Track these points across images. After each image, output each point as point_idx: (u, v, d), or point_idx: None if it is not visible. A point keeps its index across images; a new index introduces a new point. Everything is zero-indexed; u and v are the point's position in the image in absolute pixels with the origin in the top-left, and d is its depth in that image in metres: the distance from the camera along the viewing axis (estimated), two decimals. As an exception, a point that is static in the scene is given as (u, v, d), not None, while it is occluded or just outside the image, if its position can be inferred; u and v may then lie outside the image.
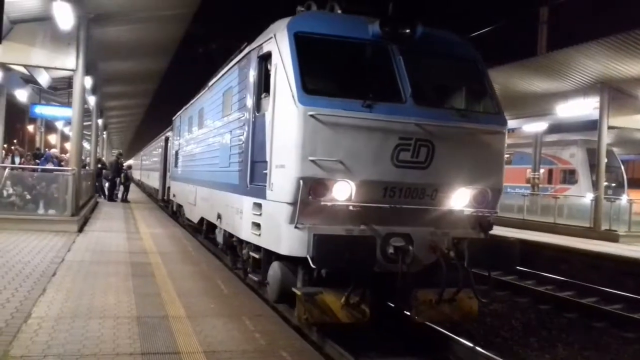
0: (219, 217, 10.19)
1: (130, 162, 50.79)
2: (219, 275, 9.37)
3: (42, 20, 14.67)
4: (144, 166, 44.05)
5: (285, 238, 6.83)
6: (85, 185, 19.27)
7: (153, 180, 31.62)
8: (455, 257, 7.03)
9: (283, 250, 6.88)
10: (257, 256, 7.89)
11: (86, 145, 34.86)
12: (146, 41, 20.05)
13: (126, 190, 27.35)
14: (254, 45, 8.35)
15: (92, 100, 24.67)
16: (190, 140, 15.00)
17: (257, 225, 7.70)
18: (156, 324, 6.19)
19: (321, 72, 7.03)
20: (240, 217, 8.60)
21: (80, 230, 14.20)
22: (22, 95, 24.32)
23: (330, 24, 7.46)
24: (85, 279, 8.30)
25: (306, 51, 7.01)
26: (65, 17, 13.06)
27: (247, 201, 8.20)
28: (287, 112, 6.85)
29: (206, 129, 12.24)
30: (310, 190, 6.66)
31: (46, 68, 18.47)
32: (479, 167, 7.27)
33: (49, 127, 36.04)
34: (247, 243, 8.38)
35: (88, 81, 18.96)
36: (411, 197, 7.04)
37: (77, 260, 9.88)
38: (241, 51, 9.86)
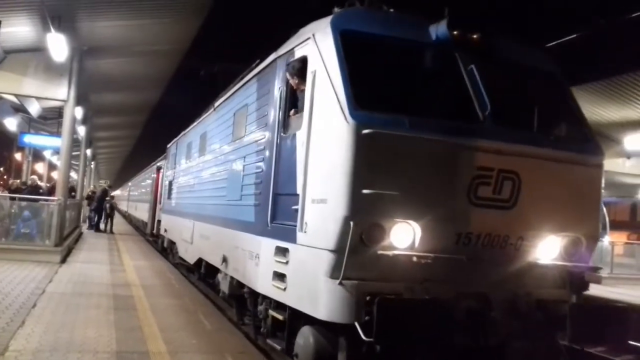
0: (224, 260, 8.43)
1: (117, 192, 49.17)
2: (202, 310, 9.27)
3: (36, 51, 14.89)
4: (131, 197, 42.34)
5: (325, 297, 5.11)
6: (70, 215, 19.37)
7: (141, 212, 29.75)
8: (545, 327, 5.35)
9: (321, 314, 5.14)
10: (280, 317, 6.12)
11: (73, 175, 34.08)
12: (139, 74, 20.58)
13: (110, 220, 27.27)
14: (281, 51, 6.78)
15: (81, 130, 24.99)
16: (188, 169, 13.29)
17: (281, 277, 5.99)
18: (136, 360, 5.95)
19: (375, 81, 5.43)
20: (255, 264, 6.87)
21: (63, 261, 14.05)
22: (11, 124, 24.56)
23: (382, 22, 5.91)
24: (66, 312, 8.17)
25: (356, 54, 5.44)
26: (59, 49, 13.22)
27: (267, 244, 6.49)
28: (331, 131, 5.23)
29: (210, 156, 10.56)
30: (363, 235, 4.99)
31: (37, 98, 18.80)
32: (571, 209, 5.65)
33: (37, 155, 35.92)
34: (265, 298, 6.62)
35: (79, 112, 19.33)
36: (491, 246, 5.38)
37: (59, 291, 9.75)
38: (258, 63, 8.31)
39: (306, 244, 5.49)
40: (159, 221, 19.40)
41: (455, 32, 5.80)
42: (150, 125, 35.07)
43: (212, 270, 9.81)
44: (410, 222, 5.11)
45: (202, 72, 17.52)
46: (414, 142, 5.02)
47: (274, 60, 6.93)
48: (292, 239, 5.75)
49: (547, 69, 6.41)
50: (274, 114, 6.70)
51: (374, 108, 5.12)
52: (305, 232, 5.51)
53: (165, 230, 17.00)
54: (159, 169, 22.32)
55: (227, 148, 9.10)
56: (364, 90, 5.21)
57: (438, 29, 5.84)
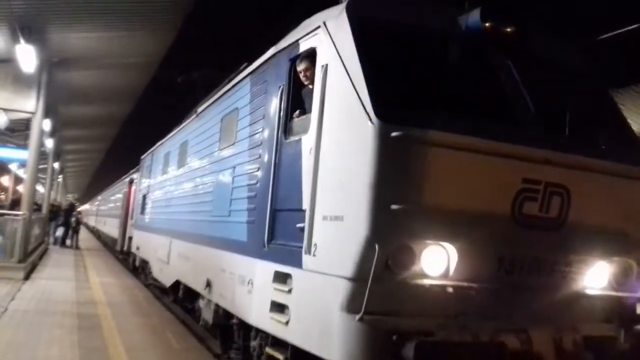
0: (208, 284, 7.42)
1: (85, 206, 47.64)
2: (170, 329, 9.10)
3: (4, 62, 14.72)
4: (100, 212, 40.78)
5: (340, 336, 4.19)
6: (36, 230, 19.25)
7: (111, 228, 28.35)
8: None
9: (336, 356, 4.21)
10: (279, 356, 5.14)
11: (40, 188, 33.04)
12: (110, 87, 20.29)
13: (76, 235, 26.86)
14: (282, 44, 5.90)
15: (49, 143, 24.76)
16: (165, 181, 12.23)
17: (282, 308, 5.05)
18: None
19: (400, 76, 4.57)
20: (247, 291, 5.90)
21: (27, 277, 13.79)
22: (-24, 136, 24.46)
23: (403, 9, 5.09)
24: (29, 331, 7.99)
25: (377, 44, 4.60)
26: (28, 60, 13.04)
27: (264, 268, 5.55)
28: (350, 134, 4.36)
29: (192, 166, 9.56)
30: (389, 259, 4.10)
31: (5, 110, 18.46)
32: (624, 230, 4.86)
33: (2, 168, 34.20)
34: (260, 332, 5.65)
35: (47, 124, 19.12)
36: (535, 273, 4.53)
37: (21, 309, 9.54)
38: (247, 65, 7.44)
39: (315, 270, 4.57)
40: (130, 238, 18.20)
41: (488, 24, 5.02)
42: (121, 138, 34.75)
43: (192, 295, 8.77)
44: (445, 244, 4.24)
45: (180, 79, 16.59)
46: (450, 146, 4.16)
47: (273, 56, 6.05)
48: (297, 262, 4.83)
49: (587, 70, 5.67)
50: (272, 116, 5.80)
51: (401, 107, 4.26)
52: (314, 255, 4.59)
53: (138, 248, 15.82)
54: (131, 181, 21.14)
55: (212, 157, 8.14)
56: (388, 86, 4.36)
57: (469, 20, 5.05)
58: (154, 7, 14.17)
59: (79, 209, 34.43)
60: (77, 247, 25.79)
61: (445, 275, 4.24)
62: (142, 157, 17.68)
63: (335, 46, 4.72)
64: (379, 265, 3.99)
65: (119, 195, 26.13)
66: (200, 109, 9.54)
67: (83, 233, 33.20)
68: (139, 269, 15.98)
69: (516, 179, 4.34)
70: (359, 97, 4.24)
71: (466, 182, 4.22)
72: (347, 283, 4.16)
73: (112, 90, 20.98)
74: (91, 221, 48.20)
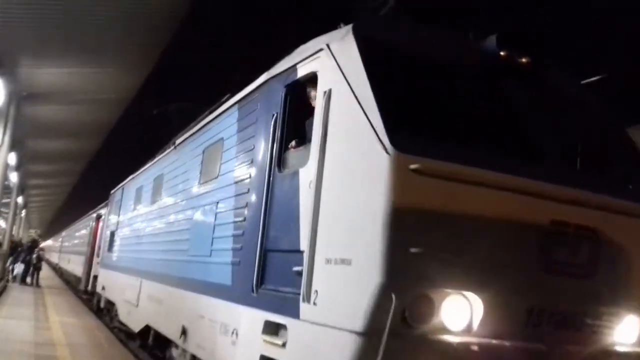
0: (184, 332, 6.70)
1: (48, 242, 45.92)
2: None
3: None
4: (64, 248, 39.14)
5: (347, 401, 3.59)
6: None
7: (75, 266, 27.07)
8: None
9: None
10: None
11: (1, 223, 31.86)
12: (80, 122, 20.20)
13: (37, 272, 25.68)
14: (275, 70, 5.42)
15: (14, 177, 24.76)
16: (137, 217, 11.49)
17: (273, 363, 4.43)
18: None
19: (415, 103, 4.11)
20: (231, 342, 5.24)
21: None
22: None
23: (412, 33, 4.69)
24: None
25: (387, 68, 4.16)
26: None
27: (251, 316, 4.92)
28: (359, 165, 3.85)
29: (167, 201, 8.90)
30: (406, 311, 3.55)
31: None
32: None
33: None
34: (246, 390, 4.97)
35: (12, 158, 19.25)
36: (564, 328, 4.02)
37: None
38: (230, 96, 6.96)
39: (316, 321, 3.98)
40: (96, 277, 17.22)
41: (503, 53, 4.66)
42: (89, 173, 33.97)
43: (164, 343, 7.99)
44: (467, 293, 3.72)
45: (155, 111, 16.03)
46: (476, 183, 3.69)
47: (266, 82, 5.56)
48: (293, 312, 4.24)
49: (599, 105, 5.33)
50: (264, 147, 5.27)
51: (418, 136, 3.79)
52: (314, 303, 4.01)
53: (103, 288, 14.87)
54: (99, 217, 20.20)
55: (191, 192, 7.52)
56: (403, 113, 3.89)
57: (483, 47, 4.68)
58: (127, 45, 14.26)
59: (41, 245, 32.99)
60: (38, 285, 24.61)
61: (468, 330, 3.70)
62: (112, 191, 16.87)
63: (341, 70, 4.25)
64: (395, 318, 3.44)
65: (85, 232, 25.06)
66: (178, 141, 8.96)
67: (45, 270, 31.73)
68: (103, 311, 14.97)
69: (544, 221, 3.88)
70: (371, 125, 3.75)
71: (492, 222, 3.74)
72: (355, 338, 3.58)
73: (82, 125, 20.85)
74: (54, 258, 46.32)
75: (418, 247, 3.48)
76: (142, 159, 12.97)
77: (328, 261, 3.96)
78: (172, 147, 9.27)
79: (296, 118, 5.01)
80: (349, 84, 4.12)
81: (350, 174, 3.94)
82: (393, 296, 3.41)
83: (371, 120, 3.77)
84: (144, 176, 11.70)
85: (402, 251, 3.48)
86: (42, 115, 18.63)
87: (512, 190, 3.78)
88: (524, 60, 4.72)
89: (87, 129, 21.58)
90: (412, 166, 3.54)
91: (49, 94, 16.72)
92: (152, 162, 11.11)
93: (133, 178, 13.23)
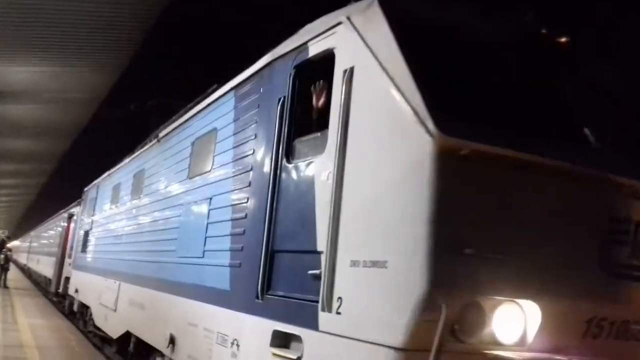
0: (172, 341, 6.07)
1: (16, 242, 44.52)
2: None
3: None
4: (32, 249, 37.84)
5: None
6: None
7: (45, 267, 25.98)
8: None
9: None
10: None
11: None
12: (50, 121, 19.82)
13: (5, 273, 25.14)
14: (282, 49, 4.84)
15: None
16: (115, 216, 10.75)
17: (285, 381, 3.86)
18: None
19: (455, 82, 3.58)
20: (231, 354, 4.64)
21: None
22: None
23: (439, 7, 4.16)
24: None
25: (420, 41, 3.62)
26: None
27: (256, 326, 4.34)
28: (395, 151, 3.31)
29: (150, 198, 8.23)
30: (455, 323, 3.02)
31: None
32: None
33: None
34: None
35: None
36: (624, 338, 3.54)
37: None
38: (216, 88, 6.37)
39: (339, 333, 3.42)
40: (68, 278, 16.36)
41: (541, 32, 4.18)
42: (60, 172, 32.77)
43: (148, 351, 7.33)
44: (521, 301, 3.21)
45: (132, 106, 15.29)
46: (535, 171, 3.19)
47: (270, 64, 4.97)
48: (309, 321, 3.68)
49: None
50: (268, 135, 4.69)
51: (463, 117, 3.26)
52: (337, 312, 3.46)
53: (76, 291, 14.06)
54: (71, 216, 19.28)
55: (179, 187, 6.89)
56: (444, 92, 3.37)
57: (519, 26, 4.19)
58: (99, 44, 13.86)
59: (8, 245, 31.93)
60: (6, 287, 23.96)
61: (522, 343, 3.19)
62: (86, 189, 16.04)
63: (366, 45, 3.70)
64: (444, 331, 2.91)
65: (56, 232, 24.05)
66: (162, 134, 8.30)
67: (13, 272, 30.58)
68: (76, 315, 14.16)
69: (603, 217, 3.39)
70: (409, 105, 3.21)
71: (550, 217, 3.24)
72: (394, 355, 3.03)
73: (53, 124, 20.53)
74: (22, 258, 44.81)
75: (470, 247, 2.96)
76: (117, 157, 12.29)
77: (355, 263, 3.41)
78: (155, 141, 8.60)
79: (307, 101, 4.45)
80: (377, 59, 3.57)
81: (382, 162, 3.39)
82: (443, 306, 2.88)
83: (409, 100, 3.23)
84: (123, 172, 10.97)
85: (452, 251, 2.95)
86: (10, 114, 18.29)
87: (573, 180, 3.28)
88: (563, 40, 4.25)
89: (58, 128, 21.27)
90: (462, 151, 3.02)
91: (19, 93, 16.36)
92: (132, 157, 10.39)
93: (110, 174, 12.48)
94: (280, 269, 4.25)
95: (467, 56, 3.73)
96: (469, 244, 2.98)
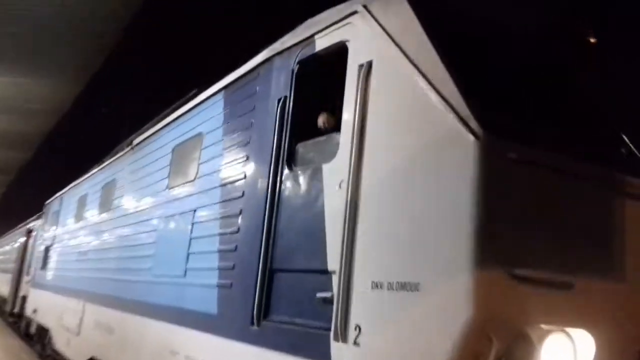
0: (146, 370, 5.44)
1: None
2: None
3: None
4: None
5: None
6: None
7: None
8: None
9: None
10: None
11: None
12: (6, 132, 19.44)
13: None
14: (284, 44, 4.36)
15: None
16: (80, 230, 10.00)
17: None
18: None
19: (493, 76, 3.17)
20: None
21: None
22: None
23: None
24: None
25: (451, 32, 3.20)
26: None
27: (249, 356, 3.78)
28: (428, 153, 2.85)
29: (121, 211, 7.58)
30: (503, 356, 2.54)
31: None
32: None
33: None
34: None
35: None
36: None
37: None
38: (197, 93, 5.86)
39: (359, 368, 2.91)
40: (25, 297, 15.34)
41: (569, 24, 3.83)
42: (19, 185, 31.39)
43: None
44: (571, 330, 2.76)
45: (104, 110, 14.63)
46: (587, 180, 2.77)
47: (268, 61, 4.49)
48: (318, 353, 3.17)
49: None
50: (266, 140, 4.18)
51: (509, 117, 2.84)
52: (356, 343, 2.95)
53: (35, 311, 13.12)
54: (29, 231, 18.23)
55: (156, 199, 6.29)
56: (484, 87, 2.94)
57: (549, 18, 3.82)
58: (63, 56, 13.36)
59: None
60: None
61: (576, 382, 2.74)
62: (47, 202, 15.14)
63: (389, 35, 3.26)
64: None
65: (12, 247, 22.79)
66: (137, 141, 7.69)
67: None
68: (34, 337, 13.20)
69: None
70: (446, 101, 2.77)
71: (604, 235, 2.82)
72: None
73: (11, 135, 19.98)
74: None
75: (521, 266, 2.51)
76: (83, 167, 11.57)
77: (377, 285, 2.91)
78: (128, 148, 7.98)
79: (313, 101, 3.98)
80: (402, 51, 3.13)
81: (412, 168, 2.92)
82: (493, 337, 2.41)
83: (445, 96, 2.79)
84: (90, 183, 10.25)
85: (501, 271, 2.49)
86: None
87: (629, 193, 2.87)
88: (591, 35, 3.91)
89: (17, 138, 20.57)
90: (511, 155, 2.58)
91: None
92: (101, 167, 9.71)
93: (75, 186, 11.71)
94: (281, 290, 3.72)
95: (505, 47, 3.32)
96: (520, 262, 2.53)
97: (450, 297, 2.53)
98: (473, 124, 2.63)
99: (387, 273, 2.88)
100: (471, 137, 2.61)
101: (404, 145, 3.00)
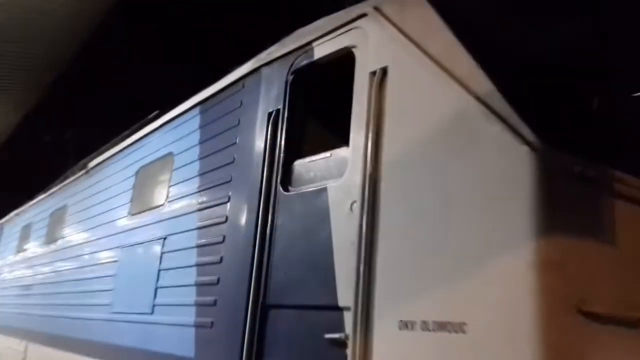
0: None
1: None
2: None
3: None
4: None
5: None
6: None
7: None
8: None
9: None
10: None
11: None
12: None
13: None
14: (274, 53, 3.92)
15: None
16: (22, 262, 9.09)
17: None
18: None
19: (535, 79, 2.82)
20: None
21: None
22: None
23: None
24: None
25: (481, 32, 2.87)
26: None
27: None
28: (467, 169, 2.45)
29: (74, 240, 6.83)
30: None
31: None
32: None
33: None
34: None
35: None
36: None
37: None
38: (158, 114, 5.39)
39: None
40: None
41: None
42: None
43: None
44: None
45: (47, 138, 13.71)
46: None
47: (255, 71, 4.03)
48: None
49: None
50: (254, 158, 3.71)
51: (565, 128, 2.49)
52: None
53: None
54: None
55: (116, 226, 5.65)
56: (525, 91, 2.58)
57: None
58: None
59: None
60: None
61: None
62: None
63: (409, 38, 2.88)
64: None
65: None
66: (93, 163, 7.02)
67: None
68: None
69: None
70: (489, 107, 2.39)
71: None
72: None
73: None
74: None
75: (590, 302, 2.12)
76: (26, 195, 10.66)
77: (407, 325, 2.46)
78: (82, 172, 7.29)
79: (311, 114, 3.55)
80: (427, 54, 2.75)
81: (444, 186, 2.51)
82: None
83: (487, 101, 2.41)
84: (35, 210, 9.39)
85: (570, 308, 2.09)
86: None
87: None
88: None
89: None
90: (576, 168, 2.21)
91: None
92: (49, 192, 8.90)
93: (17, 214, 10.76)
94: (277, 330, 3.20)
95: (541, 49, 2.99)
96: (589, 297, 2.14)
97: (508, 340, 2.11)
98: (527, 134, 2.25)
99: (420, 310, 2.43)
100: (525, 148, 2.23)
101: (432, 159, 2.60)
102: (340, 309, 2.78)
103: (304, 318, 3.04)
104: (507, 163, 2.28)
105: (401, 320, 2.48)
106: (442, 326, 2.32)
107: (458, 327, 2.26)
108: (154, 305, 4.46)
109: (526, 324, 2.07)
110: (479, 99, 2.44)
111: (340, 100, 3.32)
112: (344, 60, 3.27)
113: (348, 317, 2.71)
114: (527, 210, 2.16)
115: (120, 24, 11.25)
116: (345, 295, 2.77)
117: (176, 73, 11.00)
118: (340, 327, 2.75)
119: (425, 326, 2.38)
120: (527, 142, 2.23)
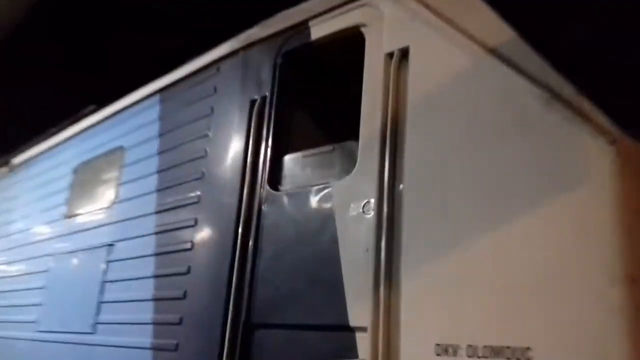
0: None
1: None
2: None
3: None
4: None
5: None
6: None
7: None
8: None
9: None
10: None
11: None
12: None
13: None
14: (260, 33, 3.42)
15: None
16: None
17: None
18: None
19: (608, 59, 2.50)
20: None
21: None
22: None
23: None
24: None
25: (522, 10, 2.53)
26: None
27: None
28: (523, 163, 2.06)
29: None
30: None
31: None
32: None
33: None
34: None
35: None
36: None
37: None
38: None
39: None
40: None
41: None
42: None
43: None
44: None
45: None
46: None
47: (233, 54, 3.51)
48: None
49: None
50: (233, 152, 3.18)
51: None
52: None
53: None
54: None
55: (47, 231, 4.88)
56: (594, 75, 2.25)
57: None
58: None
59: None
60: None
61: None
62: None
63: (438, 14, 2.49)
64: None
65: None
66: (18, 160, 6.16)
67: None
68: None
69: None
70: (555, 95, 2.03)
71: None
72: None
73: None
74: None
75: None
76: None
77: (446, 351, 2.02)
78: (5, 169, 6.39)
79: (306, 102, 3.08)
80: (467, 34, 2.37)
81: (496, 183, 2.11)
82: None
83: (554, 87, 2.05)
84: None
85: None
86: None
87: None
88: None
89: None
90: None
91: None
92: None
93: None
94: (264, 354, 2.67)
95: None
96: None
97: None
98: (605, 125, 1.90)
99: (465, 331, 2.00)
100: (602, 142, 1.87)
101: (480, 152, 2.20)
102: (351, 330, 2.32)
103: (300, 340, 2.53)
104: (577, 157, 1.91)
105: (438, 344, 2.04)
106: (497, 352, 1.90)
107: (520, 354, 1.85)
108: (95, 324, 3.78)
109: (615, 346, 1.69)
110: (545, 85, 2.07)
111: (342, 86, 2.89)
112: (350, 41, 2.84)
113: (363, 339, 2.24)
114: (610, 216, 1.80)
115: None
116: (358, 312, 2.31)
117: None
118: (352, 352, 2.28)
119: (473, 352, 1.95)
120: (607, 135, 1.87)
